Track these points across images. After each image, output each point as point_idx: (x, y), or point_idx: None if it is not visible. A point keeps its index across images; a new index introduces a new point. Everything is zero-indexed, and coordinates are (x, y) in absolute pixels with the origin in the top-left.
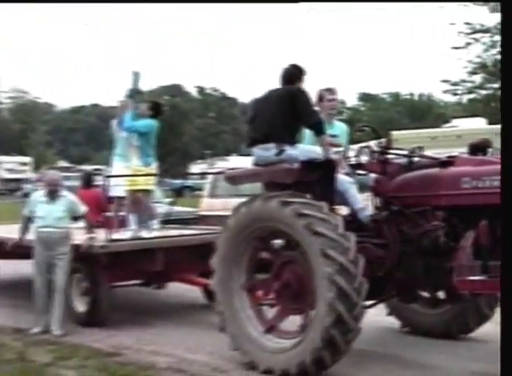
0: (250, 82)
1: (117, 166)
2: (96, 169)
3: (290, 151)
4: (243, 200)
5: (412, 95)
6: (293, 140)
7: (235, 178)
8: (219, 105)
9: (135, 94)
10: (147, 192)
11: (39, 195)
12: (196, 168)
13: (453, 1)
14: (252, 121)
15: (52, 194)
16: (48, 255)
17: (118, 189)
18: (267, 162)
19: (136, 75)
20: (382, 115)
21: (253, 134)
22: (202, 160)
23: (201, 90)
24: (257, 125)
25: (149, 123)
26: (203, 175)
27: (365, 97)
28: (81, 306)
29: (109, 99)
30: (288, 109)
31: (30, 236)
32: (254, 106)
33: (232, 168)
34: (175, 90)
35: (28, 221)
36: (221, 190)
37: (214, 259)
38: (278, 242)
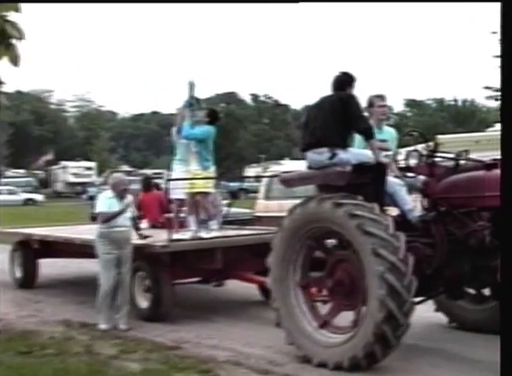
0: (302, 90)
1: (177, 170)
2: (156, 173)
3: (342, 155)
4: (297, 201)
5: (456, 101)
6: (344, 144)
7: (289, 181)
8: (272, 112)
9: (192, 103)
10: (206, 194)
11: (108, 195)
12: (250, 171)
13: (458, 2)
14: (305, 127)
15: (122, 195)
16: (118, 254)
17: (178, 191)
18: (320, 165)
19: (191, 85)
20: (427, 120)
21: (306, 139)
22: (256, 164)
23: (255, 97)
24: (310, 131)
25: (206, 130)
26: (257, 178)
27: (411, 103)
28: (143, 303)
29: (168, 106)
30: (339, 114)
31: (92, 236)
32: (307, 113)
33: (287, 172)
34: (231, 98)
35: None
36: (275, 192)
37: (270, 258)
38: (331, 242)
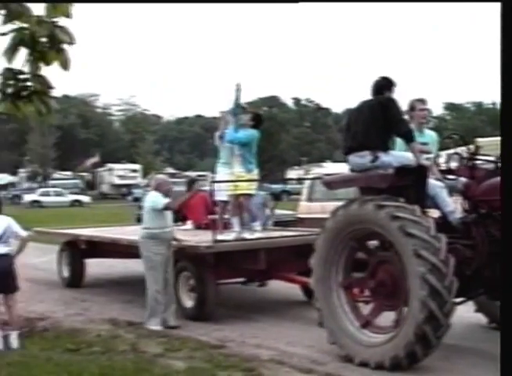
0: (343, 93)
1: (221, 172)
2: (200, 175)
3: (384, 158)
4: (339, 203)
5: (494, 104)
6: (386, 147)
7: (332, 184)
8: (314, 115)
9: (238, 106)
10: (249, 196)
11: (156, 195)
12: (292, 173)
13: (458, 1)
14: (347, 131)
15: (167, 195)
16: (167, 254)
17: (222, 193)
18: (362, 168)
19: (238, 87)
20: (466, 123)
21: (348, 142)
22: (298, 167)
23: (297, 101)
24: (351, 134)
25: (250, 134)
26: (300, 180)
27: (450, 106)
28: (188, 302)
29: (211, 109)
30: (379, 118)
31: (134, 236)
32: (348, 116)
33: (329, 174)
34: (273, 101)
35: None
36: (317, 194)
37: (313, 259)
38: (373, 243)
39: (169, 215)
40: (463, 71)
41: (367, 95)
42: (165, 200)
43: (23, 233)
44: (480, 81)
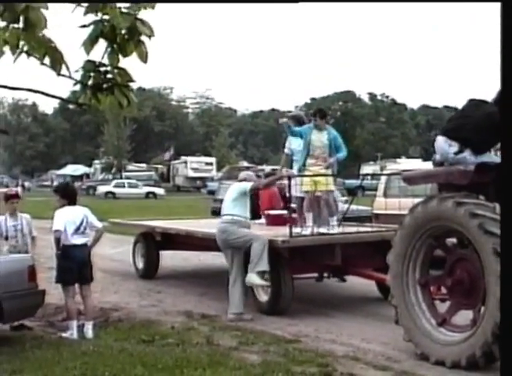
0: (419, 89)
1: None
2: (274, 169)
3: (468, 156)
4: (415, 200)
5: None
6: (478, 151)
7: (412, 179)
8: (389, 110)
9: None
10: (328, 192)
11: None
12: (367, 169)
13: (458, 1)
14: (459, 115)
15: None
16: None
17: (298, 188)
18: (443, 155)
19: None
20: None
21: (451, 125)
22: (373, 162)
23: (372, 96)
24: (461, 120)
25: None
26: (375, 176)
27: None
28: (263, 296)
29: (286, 103)
30: (494, 126)
31: (213, 229)
32: (468, 103)
33: (408, 170)
34: (348, 96)
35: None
36: (393, 190)
37: (390, 255)
38: (451, 240)
39: (249, 206)
40: (462, 71)
41: (445, 91)
42: (249, 184)
43: (99, 224)
44: (479, 81)
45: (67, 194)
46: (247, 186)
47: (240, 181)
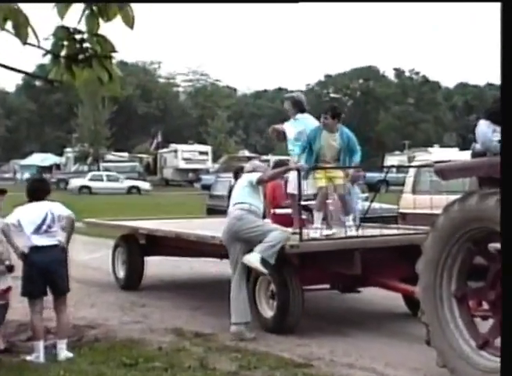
0: (456, 64)
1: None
2: (281, 160)
3: None
4: (451, 197)
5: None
6: None
7: (446, 172)
8: (419, 90)
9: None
10: (339, 186)
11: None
12: (392, 159)
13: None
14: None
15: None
16: None
17: (308, 184)
18: (484, 143)
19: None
20: None
21: (496, 106)
22: (400, 152)
23: (399, 73)
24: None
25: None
26: (402, 168)
27: None
28: (268, 311)
29: (295, 82)
30: None
31: (209, 231)
32: None
33: (440, 162)
34: (370, 73)
35: None
36: (424, 185)
37: (420, 263)
38: (495, 245)
39: (262, 200)
40: (463, 71)
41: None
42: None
43: (67, 212)
44: (480, 82)
45: (28, 190)
46: (254, 177)
47: (248, 173)
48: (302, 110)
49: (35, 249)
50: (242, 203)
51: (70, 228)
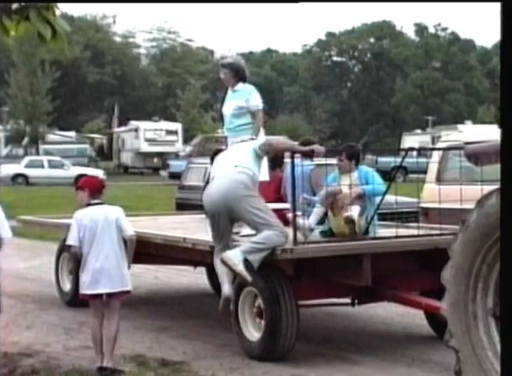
0: (495, 18)
1: None
2: (309, 140)
3: None
4: (487, 187)
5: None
6: None
7: (479, 156)
8: (448, 51)
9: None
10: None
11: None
12: (412, 140)
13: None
14: None
15: None
16: None
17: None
18: None
19: None
20: None
21: None
22: (421, 131)
23: (421, 29)
24: None
25: None
26: (423, 151)
27: None
28: (253, 333)
29: (287, 43)
30: None
31: (179, 232)
32: None
33: (472, 142)
34: (384, 30)
35: None
36: (452, 173)
37: (447, 272)
38: None
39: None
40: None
41: None
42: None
43: None
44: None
45: None
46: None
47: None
48: (243, 79)
49: None
50: (247, 168)
51: None
